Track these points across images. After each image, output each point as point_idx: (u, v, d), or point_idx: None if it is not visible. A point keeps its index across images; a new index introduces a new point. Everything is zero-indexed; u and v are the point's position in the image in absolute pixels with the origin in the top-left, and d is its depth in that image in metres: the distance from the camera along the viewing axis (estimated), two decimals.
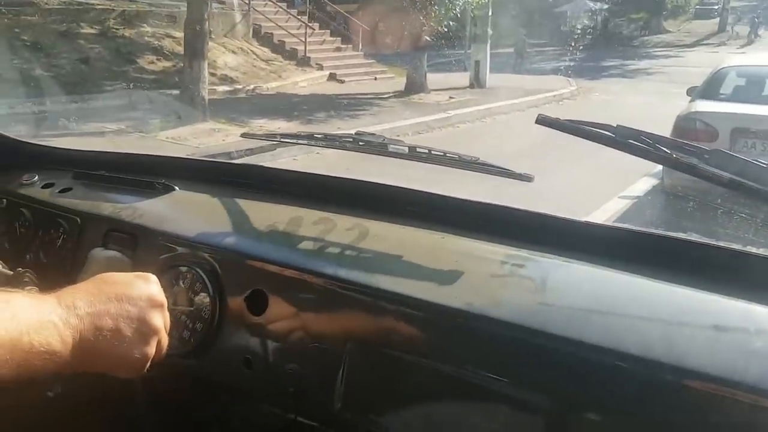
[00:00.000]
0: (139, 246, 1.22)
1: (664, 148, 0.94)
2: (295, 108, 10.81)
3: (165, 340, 0.85)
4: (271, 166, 1.33)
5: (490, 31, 14.82)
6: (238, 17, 14.89)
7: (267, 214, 1.23)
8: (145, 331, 0.79)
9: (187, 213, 1.29)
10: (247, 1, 15.15)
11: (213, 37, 13.41)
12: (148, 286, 0.83)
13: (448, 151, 1.17)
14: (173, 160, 1.48)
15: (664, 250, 0.98)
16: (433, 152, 1.18)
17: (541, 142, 4.65)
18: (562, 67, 17.56)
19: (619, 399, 0.80)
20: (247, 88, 12.39)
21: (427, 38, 13.41)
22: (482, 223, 1.12)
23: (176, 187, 1.35)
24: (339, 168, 1.35)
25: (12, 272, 1.07)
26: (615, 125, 0.98)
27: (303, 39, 15.06)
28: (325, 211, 1.21)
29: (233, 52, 13.75)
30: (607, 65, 19.15)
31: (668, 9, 29.54)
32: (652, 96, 12.56)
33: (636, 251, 0.99)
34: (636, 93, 13.98)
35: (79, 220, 1.31)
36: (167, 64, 11.91)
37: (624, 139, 0.96)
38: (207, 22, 9.59)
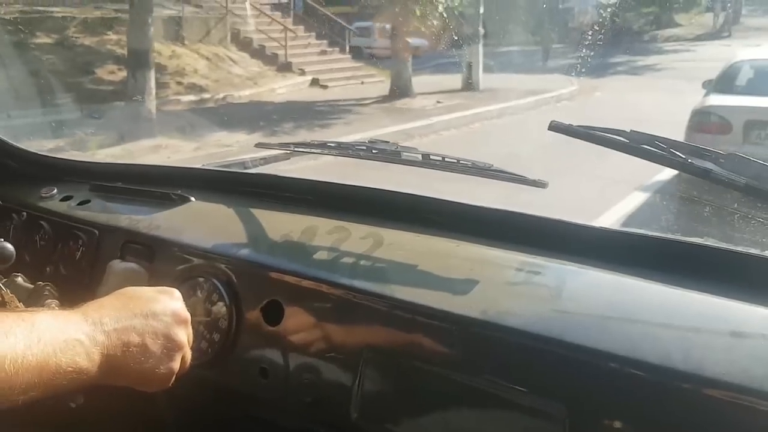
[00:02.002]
0: (156, 257, 1.23)
1: (679, 153, 0.94)
2: (264, 117, 10.28)
3: (189, 355, 0.86)
4: (285, 175, 1.34)
5: (482, 30, 14.15)
6: (214, 22, 14.43)
7: (282, 224, 1.24)
8: (171, 347, 0.81)
9: (203, 224, 1.30)
10: (225, 5, 14.67)
11: (186, 43, 13.16)
12: (173, 301, 0.85)
13: (461, 158, 1.17)
14: (189, 171, 1.49)
15: (680, 256, 0.97)
16: (446, 159, 1.18)
17: (530, 150, 4.56)
18: (566, 65, 16.81)
19: (637, 407, 0.79)
20: (217, 96, 11.78)
21: (409, 40, 13.00)
22: (497, 229, 1.11)
23: (192, 198, 1.37)
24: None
25: (33, 285, 1.09)
26: (629, 130, 0.97)
27: (284, 43, 14.56)
28: (339, 219, 1.21)
29: (207, 58, 13.26)
30: (613, 62, 18.38)
31: (680, 2, 28.89)
32: (659, 94, 11.96)
33: (652, 257, 0.98)
34: (642, 91, 13.21)
35: (97, 232, 1.33)
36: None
37: (638, 144, 0.95)
38: (151, 28, 9.14)
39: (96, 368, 0.72)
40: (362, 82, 14.45)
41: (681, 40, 25.12)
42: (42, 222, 1.42)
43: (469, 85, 13.83)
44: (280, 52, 14.53)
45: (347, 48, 16.66)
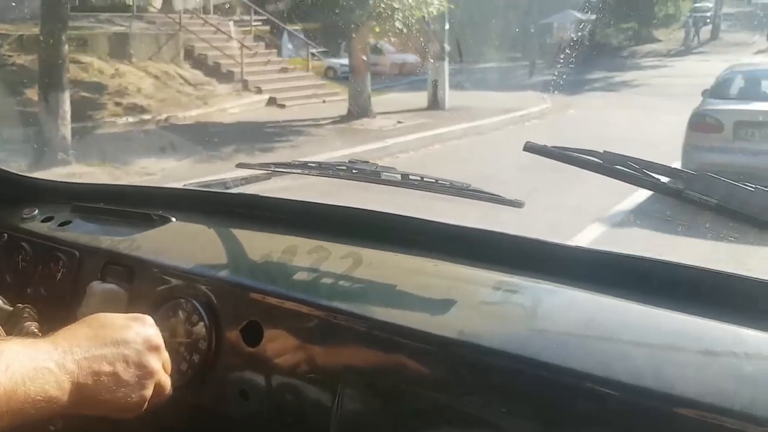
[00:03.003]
0: (136, 278, 1.23)
1: (652, 174, 0.95)
2: (205, 140, 9.50)
3: (165, 380, 0.86)
4: (265, 195, 1.34)
5: (447, 47, 13.49)
6: (165, 38, 13.84)
7: (262, 244, 1.24)
8: (143, 375, 0.80)
9: (183, 244, 1.30)
10: (178, 20, 14.16)
11: (134, 60, 12.61)
12: (145, 328, 0.84)
13: (439, 178, 1.18)
14: (170, 191, 1.50)
15: (653, 274, 0.98)
16: (425, 179, 1.19)
17: (488, 174, 4.55)
18: (541, 82, 16.38)
19: (610, 427, 0.80)
20: (159, 118, 11.02)
21: (364, 57, 12.37)
22: (474, 249, 1.12)
23: (173, 219, 1.37)
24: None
25: (12, 308, 1.09)
26: (602, 151, 0.98)
27: (241, 60, 13.95)
28: (320, 239, 1.22)
29: (155, 76, 12.62)
30: (590, 78, 18.05)
31: (659, 18, 28.80)
32: (633, 111, 11.80)
33: (625, 276, 0.99)
34: (617, 108, 13.06)
35: (77, 253, 1.33)
36: None
37: (611, 165, 0.97)
38: (65, 45, 8.40)
39: (66, 397, 0.72)
40: (324, 101, 13.75)
41: (659, 55, 25.04)
42: (23, 243, 1.42)
43: (434, 104, 13.39)
44: (237, 70, 13.98)
45: (309, 65, 16.14)
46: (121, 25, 13.43)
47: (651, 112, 10.92)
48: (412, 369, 0.94)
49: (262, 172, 1.41)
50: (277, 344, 1.05)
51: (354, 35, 12.03)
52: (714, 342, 0.87)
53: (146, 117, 11.00)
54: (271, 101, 13.53)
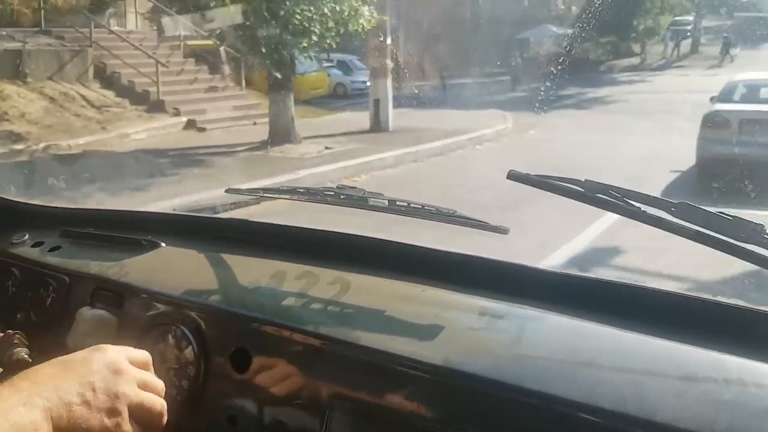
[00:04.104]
0: (125, 304, 1.24)
1: (633, 202, 0.97)
2: (77, 174, 8.17)
3: (151, 404, 0.84)
4: (254, 219, 1.36)
5: (389, 64, 12.45)
6: (70, 55, 12.50)
7: (251, 269, 1.25)
8: (112, 401, 0.79)
9: (172, 270, 1.31)
10: (88, 36, 12.82)
11: (29, 80, 11.40)
12: (105, 354, 0.83)
13: (426, 204, 1.19)
14: (159, 216, 1.51)
15: (636, 301, 1.00)
16: (411, 205, 1.21)
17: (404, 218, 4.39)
18: (509, 99, 15.93)
19: None
20: (36, 147, 9.63)
21: (279, 75, 10.87)
22: (461, 274, 1.14)
23: (162, 243, 1.38)
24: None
25: (2, 334, 1.09)
26: (584, 180, 1.00)
27: (156, 78, 12.47)
28: (308, 264, 1.23)
29: (51, 98, 11.35)
30: (562, 95, 16.92)
31: (639, 31, 28.60)
32: (600, 133, 11.24)
33: (609, 302, 1.01)
34: (583, 129, 12.21)
35: (67, 279, 1.33)
36: None
37: (593, 194, 0.98)
38: None
39: None
40: (255, 123, 12.40)
41: (638, 69, 24.75)
42: (13, 269, 1.42)
43: (377, 126, 12.32)
44: (154, 89, 12.55)
45: (243, 83, 14.69)
46: (18, 41, 11.91)
47: (620, 134, 10.64)
48: (399, 395, 0.95)
49: (251, 197, 1.42)
50: (266, 370, 1.06)
51: (264, 50, 10.56)
52: (694, 368, 0.88)
53: (20, 147, 9.51)
54: (190, 124, 12.13)
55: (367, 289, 1.14)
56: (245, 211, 1.50)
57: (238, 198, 1.44)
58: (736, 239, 0.92)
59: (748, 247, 0.91)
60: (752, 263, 0.92)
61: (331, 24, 10.42)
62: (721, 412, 0.80)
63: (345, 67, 21.66)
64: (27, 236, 1.50)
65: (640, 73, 23.82)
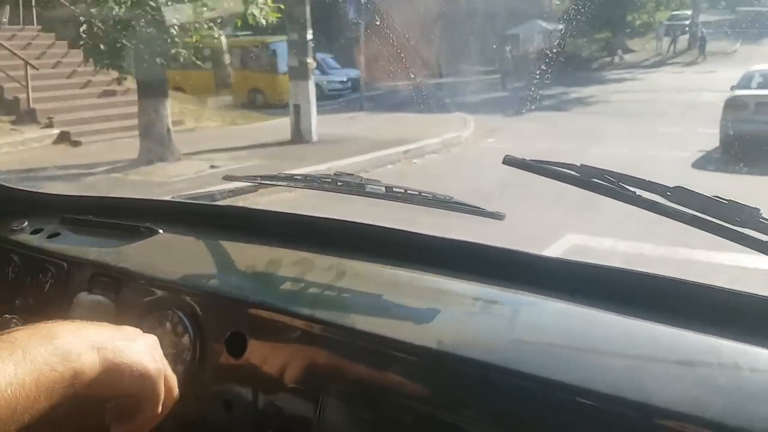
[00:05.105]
0: (122, 289, 1.24)
1: (628, 187, 0.97)
2: None
3: (173, 382, 0.88)
4: (252, 207, 1.36)
5: (312, 63, 10.98)
6: None
7: (248, 255, 1.26)
8: (159, 369, 0.83)
9: (170, 256, 1.31)
10: None
11: None
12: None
13: (422, 191, 1.19)
14: (158, 203, 1.51)
15: (632, 286, 1.00)
16: (408, 191, 1.21)
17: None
18: (487, 101, 14.85)
19: None
20: None
21: (154, 79, 9.30)
22: (457, 260, 1.14)
23: (160, 230, 1.38)
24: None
25: None
26: (579, 164, 1.00)
27: (26, 83, 10.72)
28: (304, 250, 1.23)
29: None
30: (544, 94, 15.14)
31: (635, 27, 27.74)
32: (570, 140, 10.18)
33: (604, 287, 1.01)
34: (553, 135, 10.87)
35: (65, 265, 1.34)
36: None
37: (588, 178, 0.98)
38: None
39: (95, 374, 0.73)
40: None
41: (632, 67, 23.62)
42: (12, 255, 1.43)
43: (297, 136, 10.75)
44: (24, 96, 10.78)
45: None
46: None
47: (590, 141, 9.80)
48: (393, 379, 0.95)
49: (248, 184, 1.42)
50: (261, 355, 1.06)
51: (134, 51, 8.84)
52: (690, 353, 0.88)
53: None
54: (63, 137, 10.44)
55: (363, 275, 1.14)
56: (243, 199, 1.49)
57: (236, 185, 1.45)
58: (732, 223, 0.91)
59: (744, 231, 0.91)
60: (748, 248, 0.92)
61: (207, 13, 8.70)
62: (716, 395, 0.79)
63: (320, 67, 20.03)
64: (26, 223, 1.50)
65: (633, 70, 22.79)
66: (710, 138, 9.78)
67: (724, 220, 0.91)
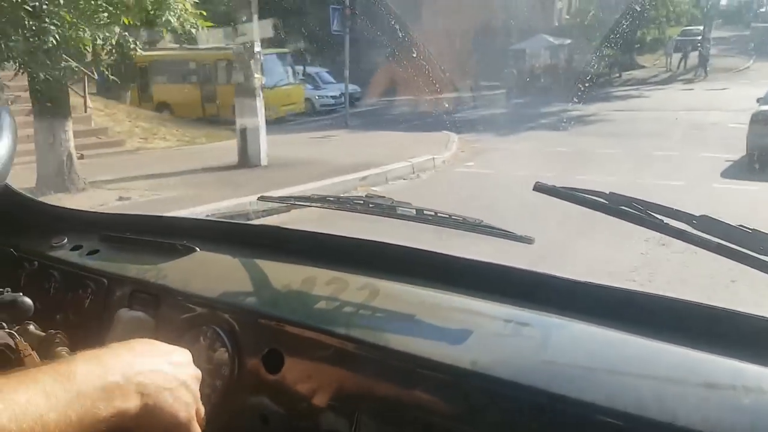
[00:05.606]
0: (162, 306, 1.29)
1: (655, 215, 1.00)
2: None
3: (201, 412, 0.88)
4: (285, 226, 1.40)
5: (260, 79, 9.82)
6: None
7: (282, 274, 1.30)
8: (191, 400, 0.85)
9: (207, 274, 1.35)
10: None
11: None
12: (190, 357, 0.90)
13: (453, 214, 1.23)
14: (194, 222, 1.56)
15: (658, 310, 1.03)
16: (439, 215, 1.24)
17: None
18: (485, 118, 14.14)
19: None
20: None
21: (51, 95, 7.90)
22: (488, 282, 1.17)
23: (197, 248, 1.43)
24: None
25: (44, 333, 1.14)
26: (608, 192, 1.04)
27: None
28: (337, 270, 1.27)
29: None
30: (544, 112, 15.15)
31: (647, 42, 27.09)
32: (555, 165, 9.31)
33: (631, 311, 1.04)
34: (538, 159, 10.09)
35: (106, 281, 1.39)
36: None
37: (616, 206, 1.02)
38: None
39: (133, 411, 0.75)
40: (82, 156, 9.44)
41: (639, 83, 23.26)
42: (53, 271, 1.48)
43: (245, 160, 9.88)
44: None
45: (87, 101, 11.66)
46: None
47: (578, 168, 9.02)
48: (427, 398, 0.98)
49: (282, 205, 1.47)
50: (297, 372, 1.10)
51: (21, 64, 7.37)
52: (714, 376, 0.91)
53: None
54: None
55: (396, 296, 1.18)
56: (277, 219, 1.54)
57: (270, 206, 1.49)
58: (756, 252, 0.95)
59: None
60: None
61: (104, 18, 7.27)
62: (741, 417, 0.82)
63: (313, 81, 19.87)
64: (66, 240, 1.55)
65: (640, 87, 22.29)
66: (713, 163, 9.54)
67: (749, 248, 0.95)
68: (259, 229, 1.50)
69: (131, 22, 7.59)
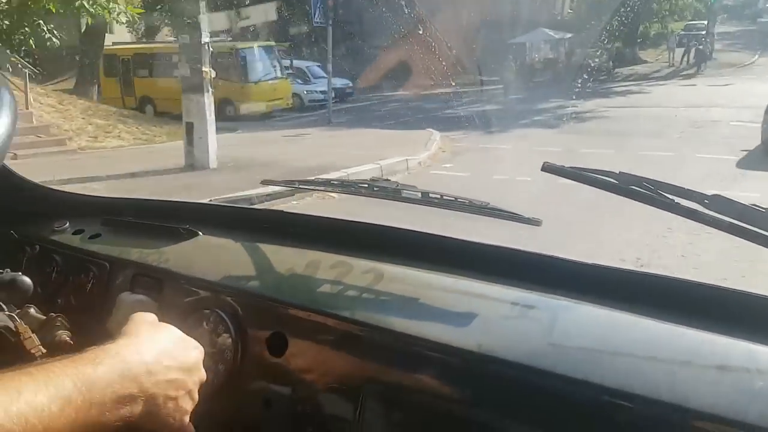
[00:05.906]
0: (164, 290, 1.27)
1: (666, 194, 0.98)
2: None
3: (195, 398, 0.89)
4: (289, 210, 1.39)
5: (210, 73, 9.00)
6: None
7: (286, 258, 1.28)
8: (190, 403, 0.86)
9: (210, 257, 1.34)
10: None
11: None
12: (201, 354, 0.92)
13: (458, 196, 1.21)
14: (197, 206, 1.54)
15: (669, 292, 1.01)
16: (444, 197, 1.23)
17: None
18: (468, 115, 13.64)
19: None
20: None
21: None
22: (494, 265, 1.15)
23: (200, 233, 1.41)
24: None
25: (45, 317, 1.13)
26: (618, 172, 1.02)
27: None
28: (342, 254, 1.25)
29: None
30: (540, 108, 14.53)
31: (649, 37, 26.76)
32: (539, 167, 8.42)
33: (640, 292, 1.02)
34: (523, 159, 9.26)
35: (108, 265, 1.37)
36: None
37: (627, 186, 1.00)
38: None
39: (137, 418, 0.76)
40: (15, 155, 8.93)
41: (641, 79, 22.75)
42: (54, 255, 1.46)
43: (191, 161, 9.07)
44: None
45: (28, 98, 11.04)
46: None
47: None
48: (432, 381, 0.97)
49: (286, 188, 1.45)
50: (301, 355, 1.09)
51: None
52: (727, 358, 0.89)
53: None
54: None
55: (401, 279, 1.16)
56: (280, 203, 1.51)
57: (274, 189, 1.47)
58: None
59: None
60: None
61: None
62: (753, 400, 0.81)
63: (302, 75, 19.25)
64: (67, 224, 1.54)
65: (641, 82, 21.70)
66: (710, 164, 8.86)
67: (762, 227, 0.93)
68: (262, 213, 1.49)
69: (52, 8, 7.43)
